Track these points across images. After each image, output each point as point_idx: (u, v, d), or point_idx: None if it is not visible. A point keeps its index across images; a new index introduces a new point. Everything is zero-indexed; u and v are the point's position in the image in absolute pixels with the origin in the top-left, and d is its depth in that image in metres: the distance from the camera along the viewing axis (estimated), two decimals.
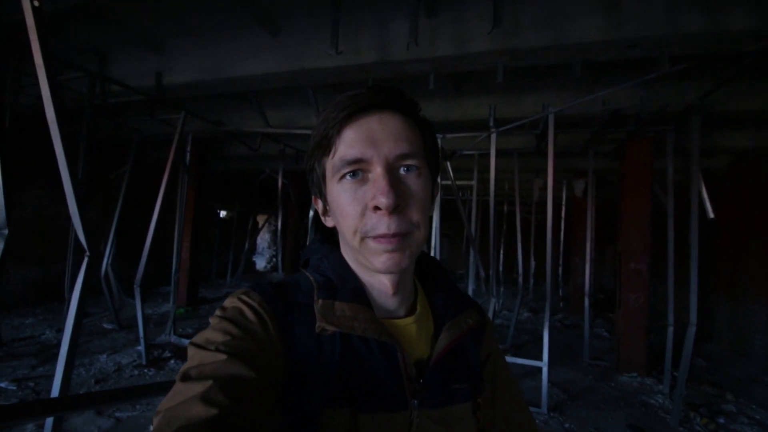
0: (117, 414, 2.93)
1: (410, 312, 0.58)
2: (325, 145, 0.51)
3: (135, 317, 4.18)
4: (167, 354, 4.24)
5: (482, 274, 5.00)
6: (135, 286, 3.88)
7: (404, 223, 0.48)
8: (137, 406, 3.05)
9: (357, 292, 0.53)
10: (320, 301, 0.52)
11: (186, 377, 0.42)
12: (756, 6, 2.35)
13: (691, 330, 3.24)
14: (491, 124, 4.15)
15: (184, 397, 0.39)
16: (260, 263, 14.10)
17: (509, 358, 3.82)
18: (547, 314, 3.63)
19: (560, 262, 8.65)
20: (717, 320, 6.27)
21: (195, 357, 0.44)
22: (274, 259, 13.56)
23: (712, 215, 3.40)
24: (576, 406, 3.68)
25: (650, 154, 4.58)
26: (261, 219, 12.09)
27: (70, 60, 3.80)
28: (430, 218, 0.56)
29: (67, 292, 4.07)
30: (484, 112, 4.30)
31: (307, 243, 4.80)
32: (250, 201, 10.45)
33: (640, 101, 3.64)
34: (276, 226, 9.73)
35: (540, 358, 3.59)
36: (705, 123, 4.03)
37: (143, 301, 4.09)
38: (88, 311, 5.88)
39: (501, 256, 8.41)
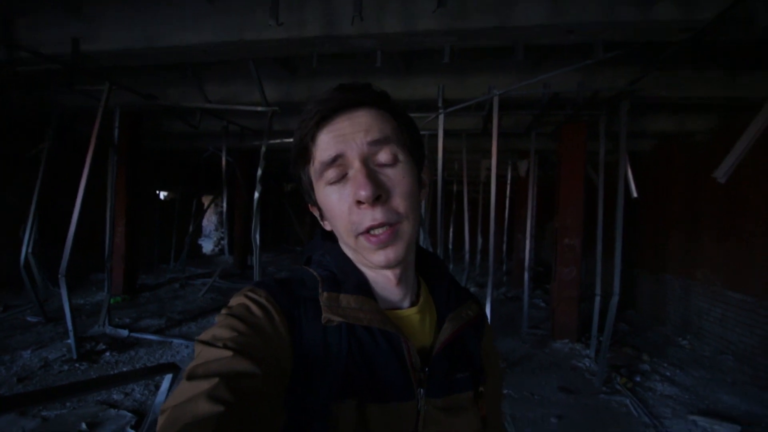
0: (43, 413, 2.71)
1: (413, 303, 0.59)
2: (304, 154, 0.53)
3: (61, 308, 3.85)
4: (101, 346, 3.97)
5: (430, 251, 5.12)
6: (60, 275, 3.55)
7: (390, 213, 0.49)
8: (67, 404, 2.84)
9: (361, 284, 0.55)
10: (325, 294, 0.52)
11: (192, 375, 0.41)
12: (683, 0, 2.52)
13: (614, 299, 3.56)
14: (440, 104, 4.18)
15: (190, 394, 0.39)
16: (207, 246, 13.50)
17: None
18: (489, 288, 3.83)
19: (505, 238, 9.09)
20: (639, 291, 6.97)
21: (201, 354, 0.44)
22: (222, 242, 13.03)
23: (635, 195, 3.71)
24: (514, 373, 3.96)
25: (584, 136, 4.87)
26: (207, 200, 11.49)
27: None
28: None
29: None
30: (434, 92, 4.31)
31: (252, 225, 4.65)
32: (193, 181, 9.85)
33: (577, 86, 3.82)
34: (222, 207, 9.30)
35: None
36: (633, 108, 4.34)
37: (74, 290, 3.77)
38: (8, 303, 5.34)
39: (450, 234, 8.70)
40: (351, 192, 0.49)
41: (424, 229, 5.48)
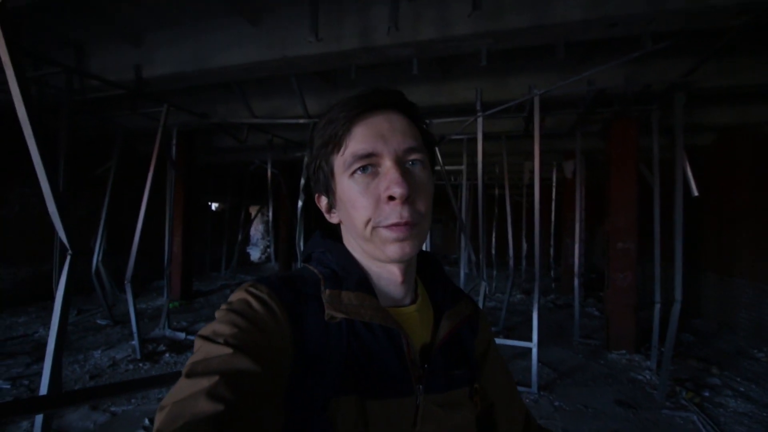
0: (112, 408, 2.95)
1: (413, 301, 0.60)
2: (335, 143, 0.53)
3: (127, 313, 4.19)
4: (162, 348, 4.27)
5: (473, 258, 5.04)
6: (125, 281, 3.87)
7: (414, 213, 0.51)
8: (132, 400, 3.08)
9: (362, 282, 0.55)
10: (327, 291, 0.53)
11: (192, 372, 0.41)
12: None
13: (676, 306, 3.30)
14: (478, 107, 4.13)
15: (189, 392, 0.39)
16: (255, 254, 14.11)
17: (501, 341, 3.89)
18: (536, 295, 3.68)
19: (552, 243, 8.72)
20: (705, 296, 6.39)
21: (202, 349, 0.44)
22: (269, 250, 13.55)
23: (696, 193, 3.44)
24: (565, 385, 3.77)
25: (635, 133, 4.59)
26: (253, 210, 12.04)
27: (46, 55, 3.71)
28: None
29: (54, 290, 4.06)
30: (472, 95, 4.28)
31: (296, 233, 4.81)
32: (241, 193, 10.38)
33: (624, 80, 3.63)
34: (268, 217, 9.71)
35: (531, 339, 3.66)
36: (689, 100, 4.04)
37: (137, 296, 4.10)
38: (81, 308, 5.88)
39: (493, 239, 8.48)
40: (383, 187, 0.50)
41: (465, 234, 5.40)
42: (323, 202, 0.59)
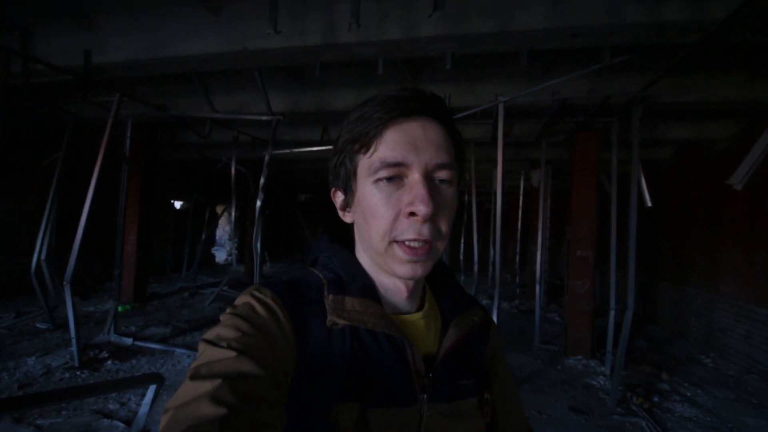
0: (38, 421, 2.70)
1: (419, 308, 0.59)
2: (363, 143, 0.51)
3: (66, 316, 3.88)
4: (104, 354, 3.97)
5: None
6: (65, 282, 3.59)
7: (434, 232, 0.50)
8: (63, 412, 2.83)
9: (366, 288, 0.54)
10: (330, 297, 0.52)
11: (196, 375, 0.41)
12: None
13: (628, 314, 3.38)
14: None
15: (193, 395, 0.39)
16: (221, 256, 13.64)
17: None
18: (495, 300, 3.69)
19: (518, 250, 8.87)
20: (660, 304, 6.66)
21: (205, 353, 0.44)
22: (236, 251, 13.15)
23: (649, 204, 3.55)
24: (523, 391, 3.78)
25: (597, 144, 4.72)
26: (220, 210, 11.65)
27: None
28: None
29: None
30: None
31: (254, 235, 4.63)
32: (207, 191, 10.01)
33: (587, 92, 3.71)
34: (235, 216, 9.39)
35: None
36: (648, 115, 4.18)
37: (87, 297, 3.80)
38: (21, 310, 5.45)
39: (461, 245, 8.55)
40: (406, 201, 0.49)
41: None
42: (339, 198, 0.58)
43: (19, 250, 6.23)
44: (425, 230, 0.48)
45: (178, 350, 4.27)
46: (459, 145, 0.55)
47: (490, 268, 9.01)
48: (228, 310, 0.50)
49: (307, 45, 3.04)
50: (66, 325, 4.71)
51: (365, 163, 0.51)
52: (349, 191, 0.55)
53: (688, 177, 5.96)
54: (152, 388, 1.78)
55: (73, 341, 3.64)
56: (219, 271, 10.94)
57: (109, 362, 3.84)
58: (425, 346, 0.56)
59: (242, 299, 0.51)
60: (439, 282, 0.63)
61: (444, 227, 0.51)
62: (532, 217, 8.14)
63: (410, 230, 0.49)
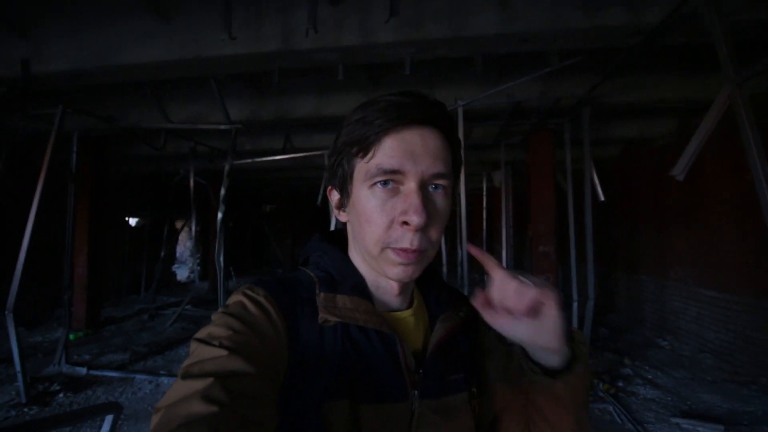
0: None
1: (409, 306, 0.60)
2: (361, 147, 0.51)
3: (12, 348, 3.55)
4: (55, 387, 3.66)
5: None
6: (6, 311, 3.29)
7: (425, 241, 0.50)
8: None
9: (358, 286, 0.55)
10: (322, 294, 0.53)
11: (187, 374, 0.41)
12: (628, 3, 2.58)
13: (590, 304, 3.54)
14: None
15: (184, 394, 0.39)
16: (183, 273, 13.03)
17: None
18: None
19: (484, 248, 9.09)
20: (618, 293, 7.02)
21: (196, 352, 0.44)
22: (198, 267, 12.62)
23: (602, 198, 3.75)
24: None
25: (551, 144, 4.94)
26: (180, 225, 11.15)
27: None
28: None
29: None
30: None
31: (216, 248, 4.47)
32: (165, 205, 9.55)
33: (539, 95, 3.88)
34: (197, 231, 9.02)
35: None
36: (596, 115, 4.44)
37: (33, 327, 3.50)
38: None
39: None
40: (400, 209, 0.49)
41: None
42: (335, 197, 0.59)
43: None
44: (416, 240, 0.49)
45: (138, 376, 4.02)
46: (457, 153, 0.56)
47: (459, 268, 9.19)
48: (220, 310, 0.50)
49: (265, 51, 2.99)
50: (9, 359, 4.32)
51: (362, 167, 0.51)
52: (345, 192, 0.55)
53: (635, 172, 6.36)
54: (109, 419, 1.65)
55: (19, 375, 3.33)
56: (181, 289, 10.43)
57: (61, 395, 3.54)
58: (415, 342, 0.57)
59: (234, 298, 0.51)
60: (426, 280, 0.64)
61: (435, 236, 0.52)
62: (496, 217, 8.39)
63: (403, 239, 0.50)
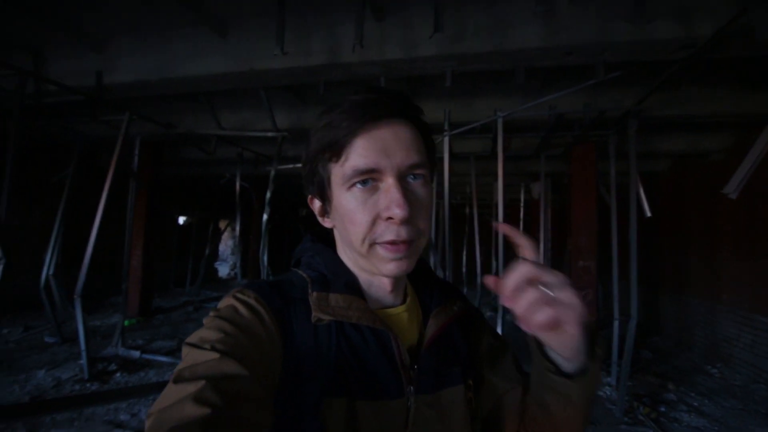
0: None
1: (402, 302, 0.60)
2: (334, 152, 0.51)
3: (78, 329, 3.93)
4: (113, 367, 4.02)
5: (441, 274, 5.06)
6: (75, 296, 3.66)
7: (412, 231, 0.50)
8: (74, 423, 2.86)
9: (350, 284, 0.55)
10: (314, 294, 0.53)
11: (179, 378, 0.41)
12: (679, 16, 2.52)
13: (632, 323, 3.40)
14: (446, 127, 4.23)
15: (176, 398, 0.39)
16: (224, 270, 13.67)
17: None
18: (500, 311, 3.72)
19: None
20: (663, 315, 6.64)
21: (189, 356, 0.44)
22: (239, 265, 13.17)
23: (649, 214, 3.61)
24: None
25: (594, 156, 4.80)
26: (223, 224, 11.74)
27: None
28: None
29: None
30: (440, 116, 4.37)
31: (260, 247, 4.70)
32: (211, 206, 10.12)
33: (583, 107, 3.81)
34: (239, 231, 9.47)
35: None
36: (643, 128, 4.27)
37: (91, 312, 3.86)
38: (29, 324, 5.49)
39: (464, 257, 8.59)
40: (382, 206, 0.49)
41: (435, 252, 5.43)
42: (316, 205, 0.59)
43: (26, 265, 6.31)
44: (403, 232, 0.49)
45: None
46: (429, 140, 0.56)
47: None
48: (211, 313, 0.50)
49: (312, 65, 3.16)
50: (73, 339, 4.76)
51: (338, 171, 0.51)
52: (326, 198, 0.55)
53: (685, 188, 6.03)
54: None
55: (83, 354, 3.68)
56: (222, 285, 10.97)
57: (118, 375, 3.88)
58: (409, 338, 0.57)
59: (225, 302, 0.51)
60: (418, 276, 0.64)
61: (422, 224, 0.52)
62: (533, 229, 8.20)
63: (388, 232, 0.50)
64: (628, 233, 3.54)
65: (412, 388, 0.52)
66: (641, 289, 4.52)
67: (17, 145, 3.23)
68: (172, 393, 0.40)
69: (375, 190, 0.50)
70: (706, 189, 5.44)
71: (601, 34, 2.60)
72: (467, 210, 9.12)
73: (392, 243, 0.50)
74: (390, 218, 0.49)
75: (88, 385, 3.62)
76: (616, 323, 4.05)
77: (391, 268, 0.51)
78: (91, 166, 6.56)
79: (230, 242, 14.26)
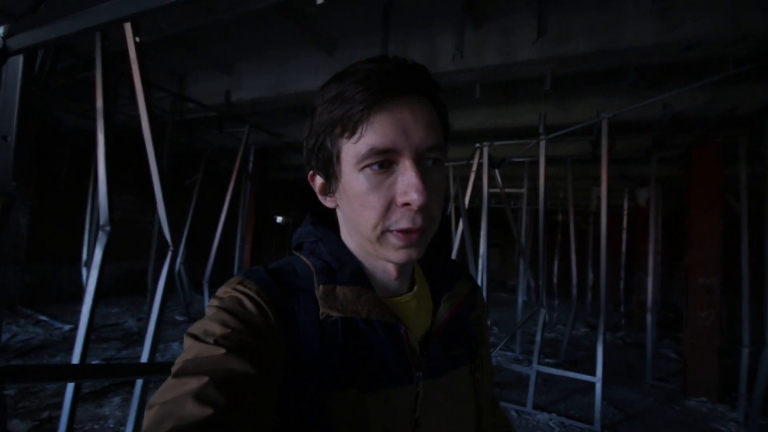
0: None
1: (410, 288, 0.58)
2: (346, 126, 0.46)
3: (202, 311, 4.62)
4: None
5: (532, 284, 4.88)
6: (204, 281, 4.31)
7: (427, 218, 0.48)
8: None
9: (356, 274, 0.52)
10: (321, 287, 0.50)
11: (182, 371, 0.40)
12: None
13: (766, 352, 2.95)
14: (541, 130, 4.10)
15: (178, 392, 0.38)
16: None
17: (562, 372, 3.70)
18: (601, 326, 3.48)
19: (622, 276, 8.11)
20: None
21: (192, 348, 0.43)
22: None
23: None
24: (633, 427, 3.48)
25: (719, 159, 4.23)
26: None
27: (155, 82, 4.39)
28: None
29: (150, 284, 4.60)
30: (534, 119, 4.26)
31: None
32: (305, 207, 10.99)
33: (705, 104, 3.42)
34: None
35: (594, 374, 3.45)
36: None
37: (210, 296, 4.52)
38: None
39: (555, 267, 8.10)
40: (399, 190, 0.46)
41: (524, 259, 5.26)
42: (318, 182, 0.54)
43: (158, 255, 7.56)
44: (419, 219, 0.46)
45: None
46: (445, 118, 0.52)
47: (589, 294, 8.37)
48: (214, 302, 0.48)
49: None
50: (198, 318, 5.58)
51: (350, 149, 0.47)
52: (331, 176, 0.51)
53: None
54: None
55: None
56: None
57: None
58: (418, 325, 0.55)
59: (227, 291, 0.49)
60: (428, 257, 0.59)
61: (436, 212, 0.49)
62: (639, 240, 7.42)
63: (404, 219, 0.46)
64: (762, 247, 3.08)
65: (420, 373, 0.51)
66: None
67: (170, 154, 3.93)
68: (174, 386, 0.39)
69: (390, 172, 0.46)
70: None
71: (731, 26, 2.35)
72: (559, 217, 8.61)
73: (406, 231, 0.47)
74: (406, 204, 0.46)
75: None
76: (745, 351, 3.53)
77: (401, 255, 0.48)
78: (211, 171, 7.62)
79: None
